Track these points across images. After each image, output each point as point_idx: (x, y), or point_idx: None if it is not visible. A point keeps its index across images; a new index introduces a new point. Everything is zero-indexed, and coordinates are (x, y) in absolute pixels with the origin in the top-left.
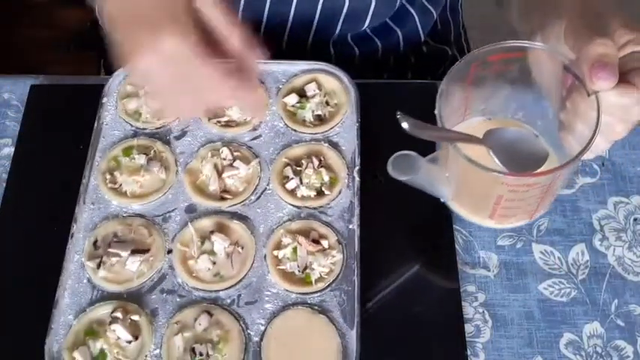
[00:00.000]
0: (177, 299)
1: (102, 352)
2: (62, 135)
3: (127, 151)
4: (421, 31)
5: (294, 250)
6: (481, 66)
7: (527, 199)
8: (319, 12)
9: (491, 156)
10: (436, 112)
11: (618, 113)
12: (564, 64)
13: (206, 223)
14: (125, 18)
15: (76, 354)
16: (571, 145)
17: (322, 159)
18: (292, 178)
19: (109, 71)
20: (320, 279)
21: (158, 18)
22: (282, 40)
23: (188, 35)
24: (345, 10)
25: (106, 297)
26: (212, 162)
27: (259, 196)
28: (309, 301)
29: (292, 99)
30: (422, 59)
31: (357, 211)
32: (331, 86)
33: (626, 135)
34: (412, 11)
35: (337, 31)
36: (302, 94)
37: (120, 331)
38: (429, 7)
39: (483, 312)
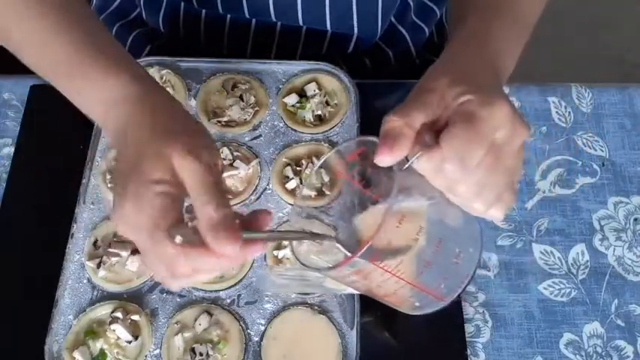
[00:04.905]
0: (178, 299)
1: (102, 352)
2: (62, 135)
3: None
4: (413, 49)
5: None
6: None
7: (382, 284)
8: (303, 36)
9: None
10: None
11: (439, 177)
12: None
13: None
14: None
15: (76, 354)
16: None
17: None
18: (292, 178)
19: None
20: None
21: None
22: (270, 55)
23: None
24: (328, 36)
25: (106, 297)
26: None
27: (259, 196)
28: (309, 301)
29: (292, 99)
30: (414, 71)
31: None
32: (331, 86)
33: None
34: (402, 31)
35: (323, 52)
36: (302, 94)
37: (120, 331)
38: (420, 23)
39: (483, 312)
